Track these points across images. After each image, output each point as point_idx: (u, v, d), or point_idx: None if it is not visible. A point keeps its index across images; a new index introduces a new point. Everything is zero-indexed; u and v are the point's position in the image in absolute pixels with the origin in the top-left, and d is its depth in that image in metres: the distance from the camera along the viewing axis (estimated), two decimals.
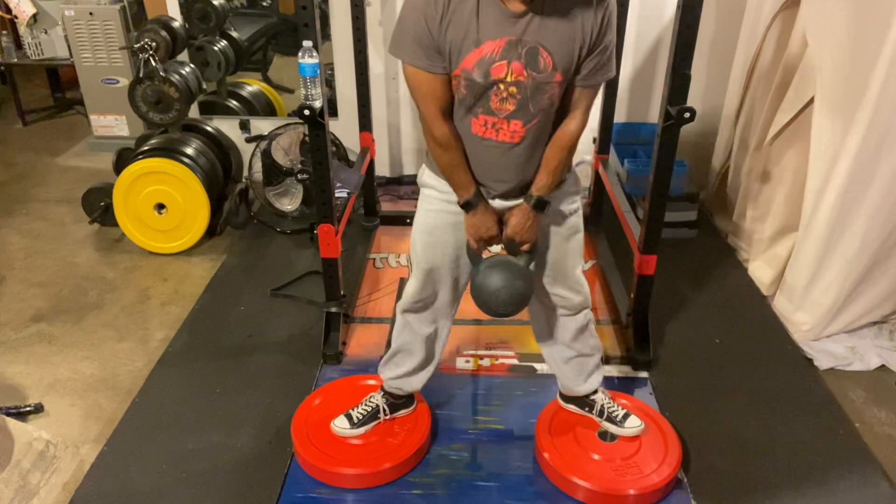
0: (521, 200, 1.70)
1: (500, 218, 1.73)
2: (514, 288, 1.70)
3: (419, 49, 1.51)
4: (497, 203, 1.73)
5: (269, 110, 3.98)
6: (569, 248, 1.85)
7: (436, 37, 1.49)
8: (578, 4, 1.49)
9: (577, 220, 1.84)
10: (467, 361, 2.51)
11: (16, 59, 4.62)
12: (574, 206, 1.82)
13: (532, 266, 1.78)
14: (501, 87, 1.53)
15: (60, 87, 5.14)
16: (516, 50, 1.49)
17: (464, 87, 1.56)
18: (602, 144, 3.30)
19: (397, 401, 2.12)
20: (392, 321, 2.59)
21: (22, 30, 4.48)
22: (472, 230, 1.72)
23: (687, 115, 2.05)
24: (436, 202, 1.78)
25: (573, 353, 2.02)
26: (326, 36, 3.53)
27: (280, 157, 3.40)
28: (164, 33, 3.17)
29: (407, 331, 2.00)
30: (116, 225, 3.28)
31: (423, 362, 2.04)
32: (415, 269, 1.89)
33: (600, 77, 1.59)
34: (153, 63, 3.09)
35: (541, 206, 1.69)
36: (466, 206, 1.69)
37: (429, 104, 1.58)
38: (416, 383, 2.09)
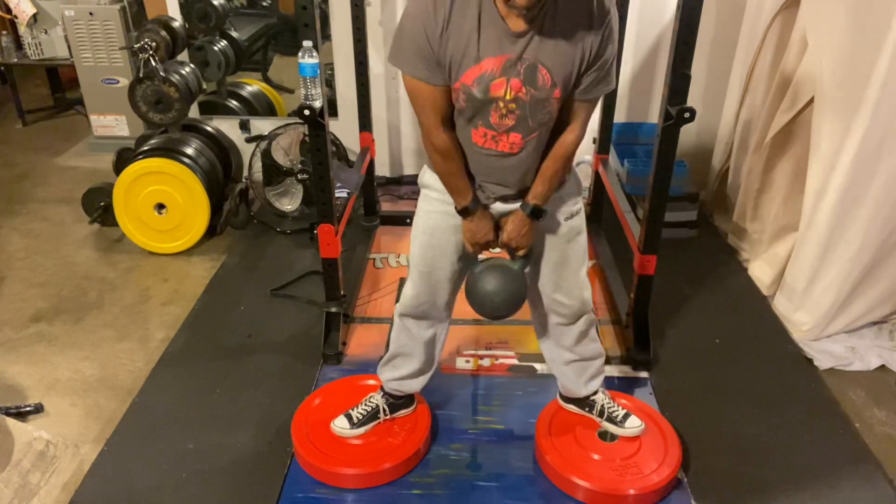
0: (518, 205, 1.71)
1: (497, 223, 1.75)
2: (506, 292, 1.73)
3: (419, 61, 1.50)
4: (496, 206, 1.74)
5: (269, 110, 3.98)
6: (570, 250, 1.83)
7: (436, 50, 1.48)
8: (579, 21, 1.48)
9: (579, 222, 1.83)
10: (467, 361, 2.51)
11: (16, 59, 4.62)
12: (576, 208, 1.81)
13: (527, 269, 1.80)
14: (500, 103, 1.54)
15: (60, 87, 5.13)
16: (515, 67, 1.49)
17: (463, 100, 1.56)
18: (602, 144, 3.30)
19: (397, 401, 2.12)
20: (392, 321, 2.59)
21: (22, 30, 4.48)
22: (468, 235, 1.75)
23: (687, 115, 2.05)
24: (436, 203, 1.78)
25: (574, 356, 2.01)
26: (326, 36, 3.52)
27: (280, 157, 3.40)
28: (164, 33, 3.17)
29: (405, 335, 1.99)
30: (116, 225, 3.28)
31: (423, 366, 2.04)
32: (412, 272, 1.89)
33: (599, 90, 1.59)
34: (153, 63, 3.09)
35: (537, 214, 1.70)
36: (464, 213, 1.71)
37: (428, 114, 1.58)
38: (415, 385, 2.09)
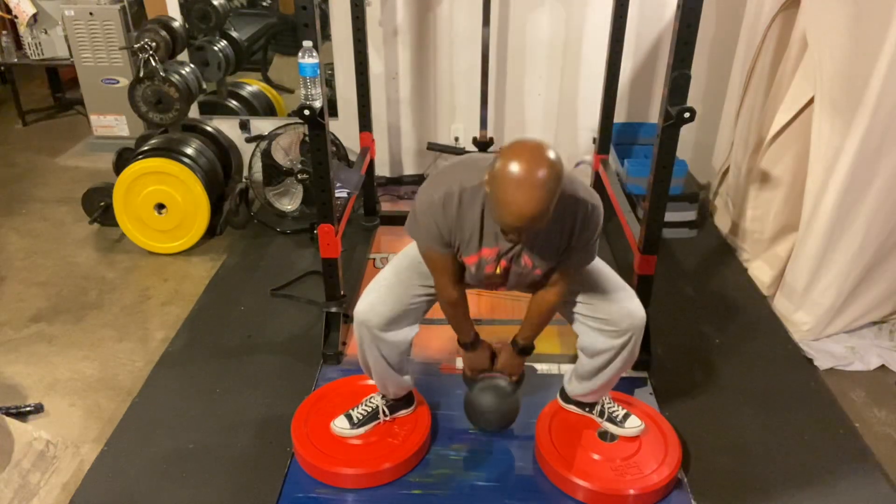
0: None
1: (493, 353, 2.00)
2: (500, 411, 1.99)
3: (432, 241, 1.73)
4: None
5: (269, 110, 3.98)
6: (588, 276, 1.89)
7: (446, 237, 1.71)
8: (563, 228, 1.68)
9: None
10: None
11: (16, 59, 4.62)
12: None
13: (520, 389, 2.03)
14: (492, 277, 1.80)
15: (60, 87, 5.13)
16: (506, 255, 1.75)
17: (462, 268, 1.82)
18: (602, 144, 3.30)
19: (397, 402, 2.12)
20: None
21: (22, 30, 4.48)
22: (468, 363, 2.00)
23: (687, 115, 2.05)
24: None
25: (611, 354, 1.94)
26: (326, 36, 3.52)
27: (280, 157, 3.40)
28: (164, 33, 3.17)
29: (370, 353, 1.94)
30: (116, 225, 3.28)
31: (398, 370, 2.01)
32: (389, 282, 1.90)
33: (579, 265, 1.81)
34: (153, 63, 3.09)
35: (526, 352, 1.96)
36: (465, 346, 1.96)
37: (442, 275, 1.81)
38: (406, 382, 2.08)
